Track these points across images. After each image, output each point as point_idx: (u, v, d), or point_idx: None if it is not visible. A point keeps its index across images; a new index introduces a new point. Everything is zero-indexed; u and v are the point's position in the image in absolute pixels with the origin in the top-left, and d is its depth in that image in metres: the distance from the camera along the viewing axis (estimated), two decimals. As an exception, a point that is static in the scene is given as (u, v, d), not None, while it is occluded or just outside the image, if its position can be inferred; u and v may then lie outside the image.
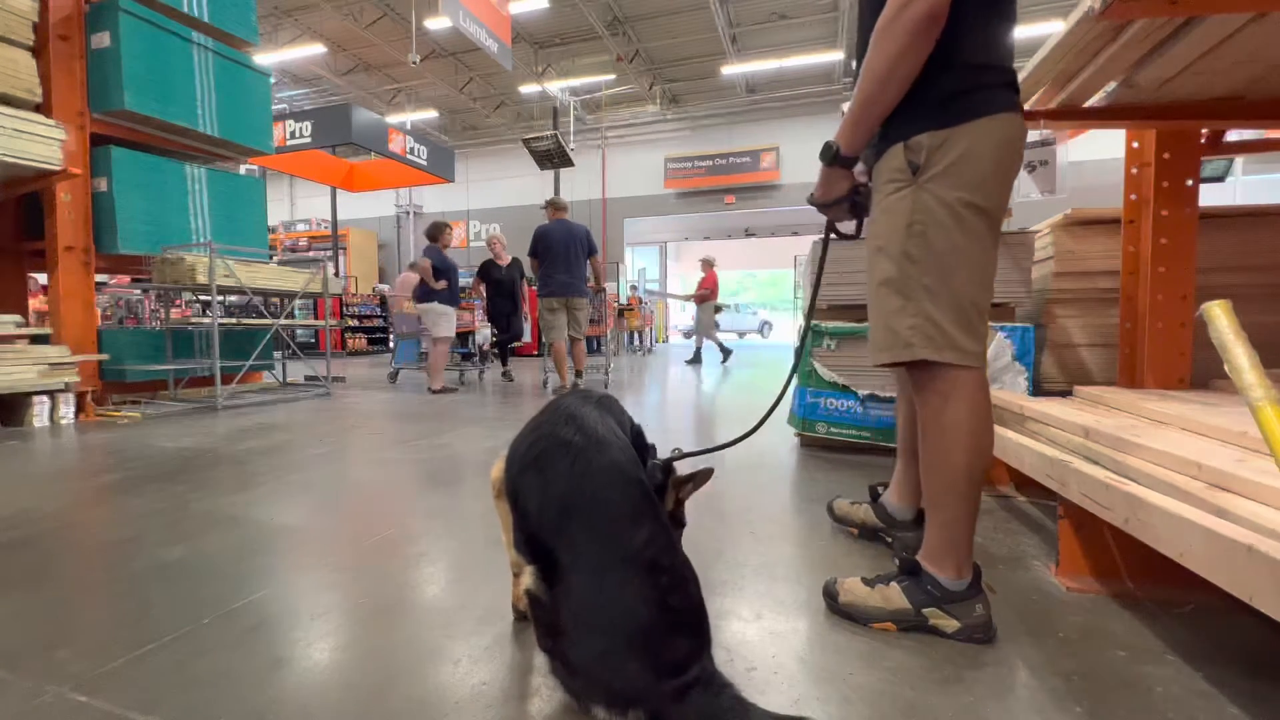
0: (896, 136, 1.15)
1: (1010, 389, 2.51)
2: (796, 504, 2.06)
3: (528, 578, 0.93)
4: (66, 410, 3.82)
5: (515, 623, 1.21)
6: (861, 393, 2.70)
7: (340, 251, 17.03)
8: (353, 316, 12.90)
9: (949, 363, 1.13)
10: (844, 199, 1.24)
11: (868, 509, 1.68)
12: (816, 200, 1.26)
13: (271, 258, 5.55)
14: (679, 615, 0.85)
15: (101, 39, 4.10)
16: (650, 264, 19.72)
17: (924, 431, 1.19)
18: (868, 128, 1.14)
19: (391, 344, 7.24)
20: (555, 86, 14.48)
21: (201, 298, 6.11)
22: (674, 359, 10.57)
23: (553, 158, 12.48)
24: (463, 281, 6.79)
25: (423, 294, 5.59)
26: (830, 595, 1.28)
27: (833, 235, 1.39)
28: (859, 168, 1.27)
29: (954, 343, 1.13)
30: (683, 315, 24.87)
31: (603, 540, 0.88)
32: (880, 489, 1.70)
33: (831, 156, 1.18)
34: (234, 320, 4.87)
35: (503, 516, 1.17)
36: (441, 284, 5.71)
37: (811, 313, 1.54)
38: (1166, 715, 0.94)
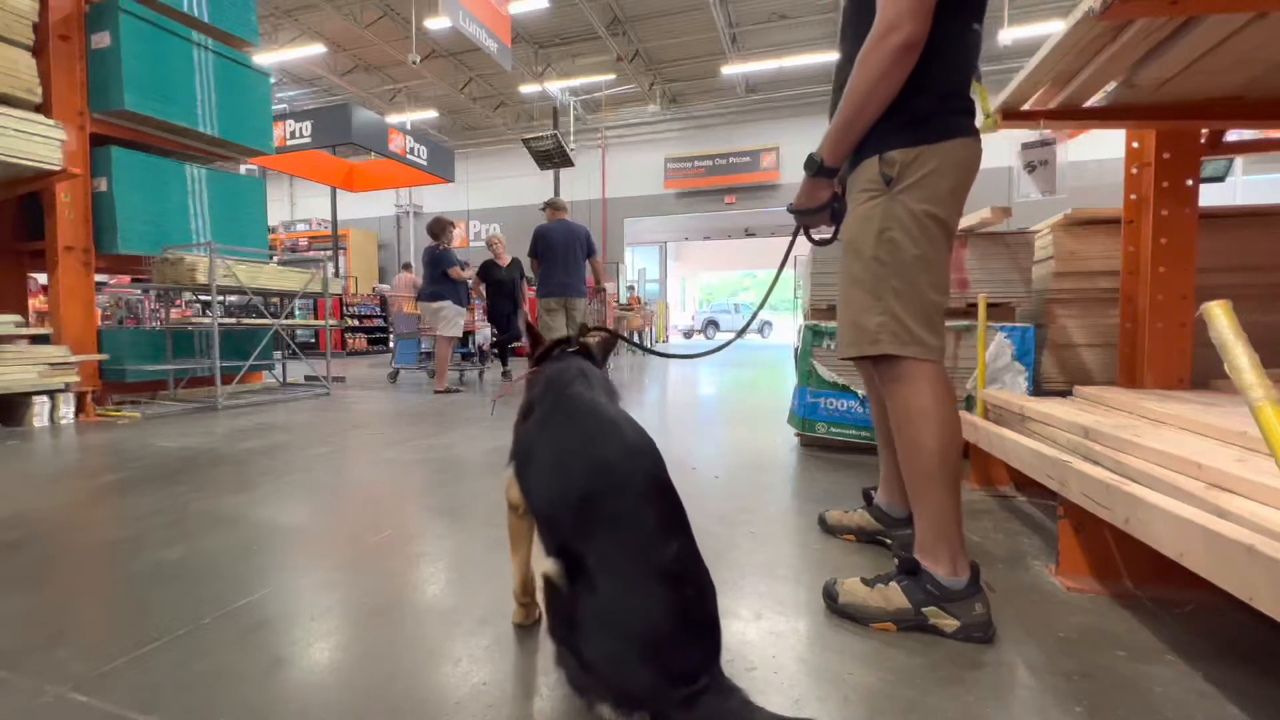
0: (872, 150, 1.24)
1: (1010, 389, 2.51)
2: (796, 504, 2.06)
3: (549, 564, 0.91)
4: (66, 410, 3.82)
5: (515, 626, 1.21)
6: (861, 393, 2.70)
7: (340, 251, 17.05)
8: (353, 316, 12.90)
9: (911, 356, 1.22)
10: (824, 207, 1.34)
11: (863, 513, 1.69)
12: (797, 207, 1.36)
13: (271, 258, 5.55)
14: (698, 627, 0.86)
15: (101, 39, 4.10)
16: (650, 264, 19.73)
17: (895, 424, 1.26)
18: (850, 142, 1.24)
19: (391, 344, 7.24)
20: (555, 86, 14.48)
21: (201, 298, 6.12)
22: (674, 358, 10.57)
23: (553, 158, 12.49)
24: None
25: (434, 294, 5.53)
26: (830, 595, 1.28)
27: (808, 238, 1.50)
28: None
29: (918, 339, 1.22)
30: (683, 315, 24.85)
31: (635, 550, 0.87)
32: (873, 492, 1.71)
33: (815, 168, 1.28)
34: (234, 320, 4.87)
35: (516, 532, 1.15)
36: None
37: (762, 307, 1.67)
38: (1166, 715, 0.94)
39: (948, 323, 1.50)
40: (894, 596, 1.20)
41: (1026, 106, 2.04)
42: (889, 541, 1.62)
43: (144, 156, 4.37)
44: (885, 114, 1.20)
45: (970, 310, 2.59)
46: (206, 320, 4.53)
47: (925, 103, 1.19)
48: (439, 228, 5.61)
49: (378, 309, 13.48)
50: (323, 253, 16.12)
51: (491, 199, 18.40)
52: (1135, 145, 2.22)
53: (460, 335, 5.73)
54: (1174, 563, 0.98)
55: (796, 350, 3.00)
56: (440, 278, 5.50)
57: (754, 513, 1.94)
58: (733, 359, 10.27)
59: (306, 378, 5.86)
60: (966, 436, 1.98)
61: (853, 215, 1.30)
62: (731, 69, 13.76)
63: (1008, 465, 1.95)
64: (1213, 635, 1.16)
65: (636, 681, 0.81)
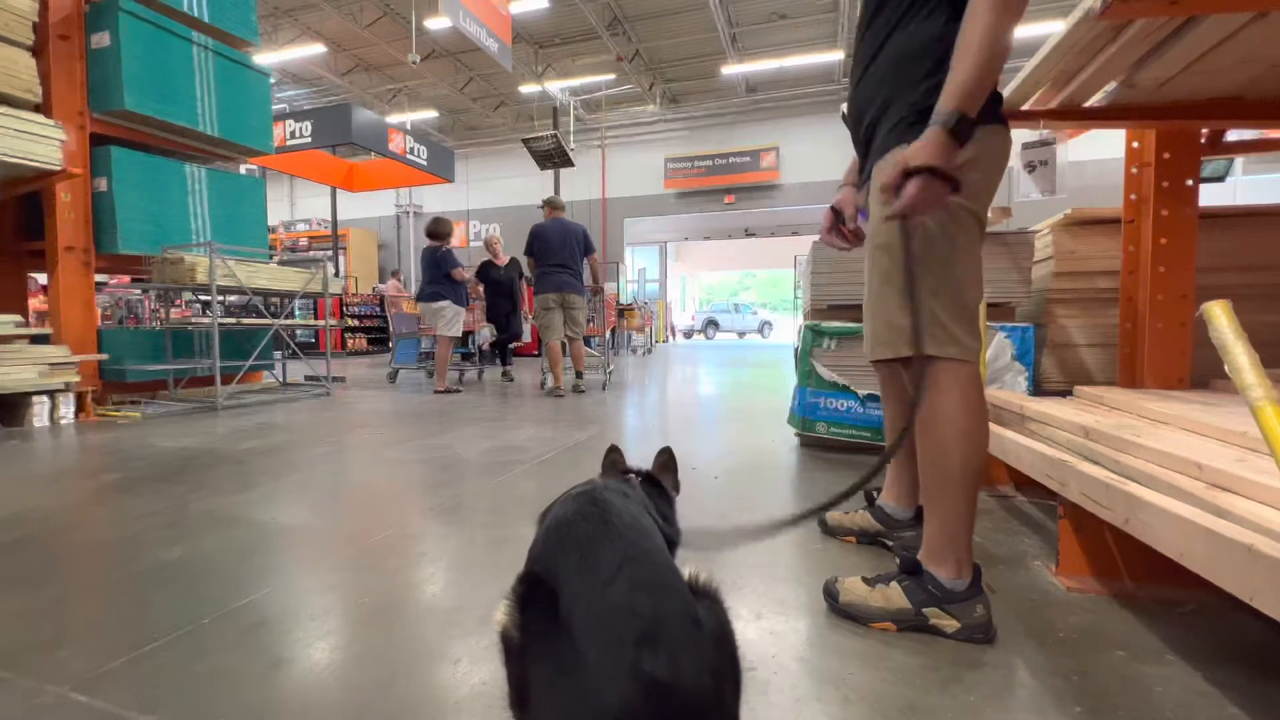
0: (900, 140, 1.17)
1: (1010, 389, 2.51)
2: (796, 504, 2.06)
3: (501, 612, 0.72)
4: (66, 410, 3.81)
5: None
6: (861, 393, 2.70)
7: (340, 251, 17.04)
8: (353, 316, 12.89)
9: (948, 357, 1.17)
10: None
11: (864, 514, 1.68)
12: (931, 164, 1.02)
13: (271, 258, 5.54)
14: None
15: (101, 39, 4.10)
16: (650, 264, 19.72)
17: (920, 427, 1.22)
18: (984, 96, 1.04)
19: (391, 344, 7.24)
20: (555, 86, 14.48)
21: (201, 298, 6.12)
22: (674, 358, 10.58)
23: (553, 158, 12.50)
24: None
25: (434, 294, 5.53)
26: (830, 595, 1.28)
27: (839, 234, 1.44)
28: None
29: (956, 339, 1.17)
30: (683, 315, 24.87)
31: None
32: (875, 493, 1.71)
33: (955, 121, 1.01)
34: (234, 320, 4.86)
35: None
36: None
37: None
38: (1166, 715, 0.94)
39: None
40: (894, 596, 1.20)
41: (1026, 106, 2.04)
42: (890, 543, 1.62)
43: (144, 156, 4.37)
44: (923, 98, 1.13)
45: (970, 310, 2.59)
46: (206, 320, 4.53)
47: None
48: (445, 228, 5.63)
49: (377, 309, 13.48)
50: (323, 253, 16.14)
51: (491, 199, 18.40)
52: (1135, 145, 2.22)
53: (460, 335, 5.74)
54: (1174, 563, 0.98)
55: (797, 350, 3.00)
56: (441, 278, 5.51)
57: (754, 512, 1.94)
58: (733, 359, 10.28)
59: (306, 378, 5.85)
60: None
61: (881, 210, 1.22)
62: (731, 69, 13.75)
63: (1008, 465, 1.94)
64: (1213, 635, 1.16)
65: None
